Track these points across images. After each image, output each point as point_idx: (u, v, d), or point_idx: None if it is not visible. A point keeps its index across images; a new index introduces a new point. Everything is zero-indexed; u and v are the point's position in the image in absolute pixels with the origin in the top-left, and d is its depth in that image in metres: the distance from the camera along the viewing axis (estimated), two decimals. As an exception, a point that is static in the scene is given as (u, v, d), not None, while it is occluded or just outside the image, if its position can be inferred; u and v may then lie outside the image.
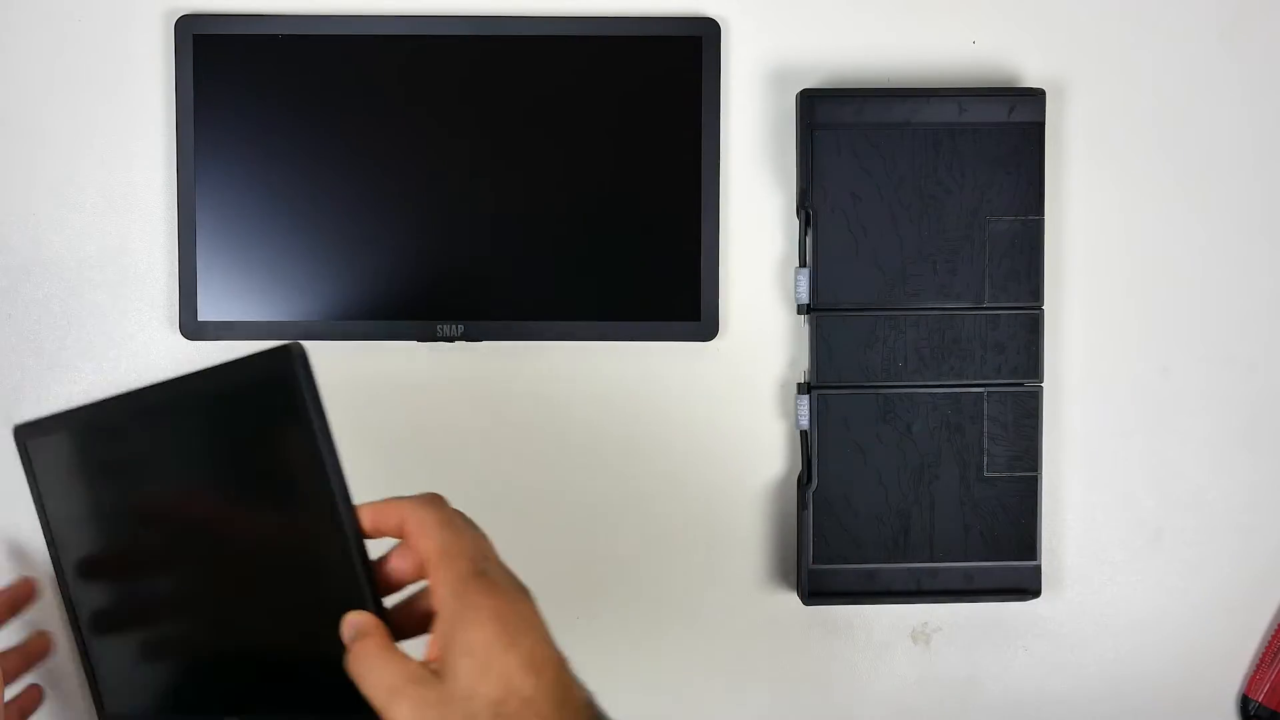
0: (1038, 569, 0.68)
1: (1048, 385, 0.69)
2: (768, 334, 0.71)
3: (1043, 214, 0.68)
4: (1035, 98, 0.68)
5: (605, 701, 0.45)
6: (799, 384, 0.69)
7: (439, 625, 0.44)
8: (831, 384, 0.68)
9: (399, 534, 0.46)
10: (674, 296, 0.69)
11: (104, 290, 0.69)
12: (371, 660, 0.44)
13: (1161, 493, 0.72)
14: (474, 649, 0.42)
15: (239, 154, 0.68)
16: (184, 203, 0.68)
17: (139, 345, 0.70)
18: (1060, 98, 0.71)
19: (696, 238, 0.69)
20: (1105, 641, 0.72)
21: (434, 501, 0.47)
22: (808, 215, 0.68)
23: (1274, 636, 0.72)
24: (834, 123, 0.67)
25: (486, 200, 0.68)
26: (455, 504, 0.47)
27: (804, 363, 0.70)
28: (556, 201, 0.68)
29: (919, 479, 0.68)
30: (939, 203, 0.68)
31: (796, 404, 0.69)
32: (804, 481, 0.68)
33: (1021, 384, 0.68)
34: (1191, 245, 0.72)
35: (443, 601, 0.44)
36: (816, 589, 0.68)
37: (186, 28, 0.67)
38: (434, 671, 0.43)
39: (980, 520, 0.68)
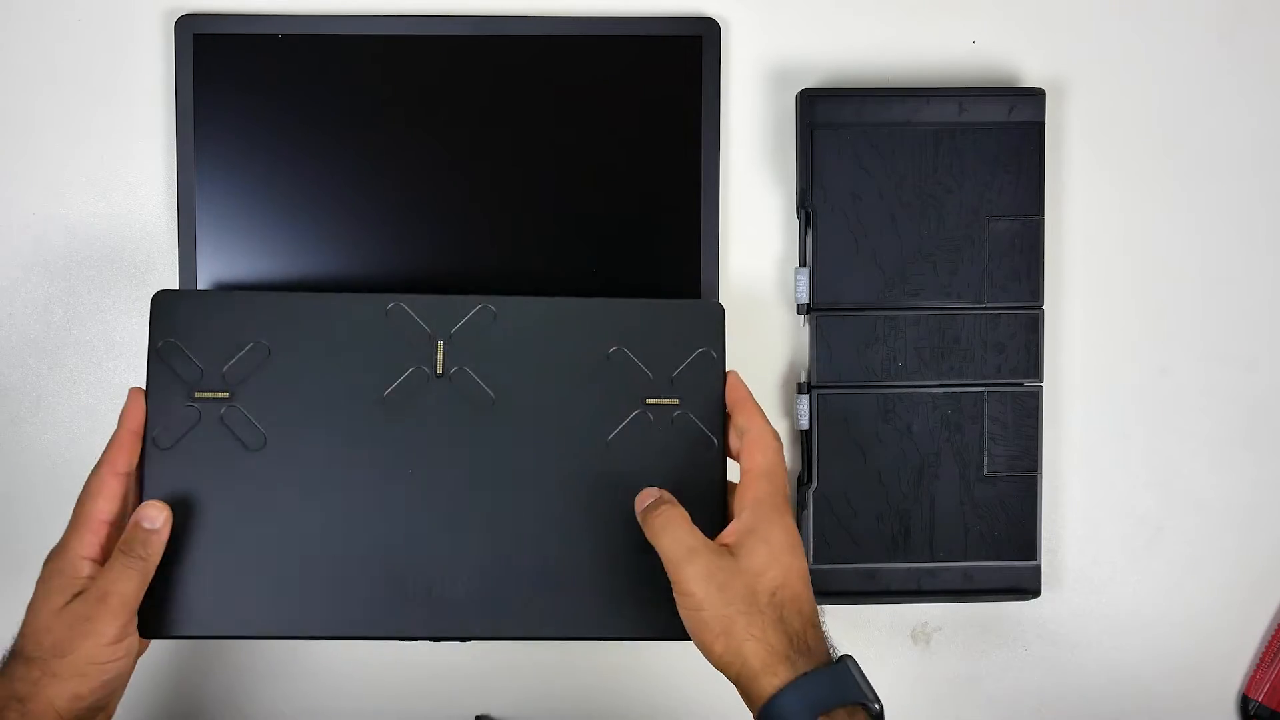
0: (1038, 569, 0.68)
1: (1048, 385, 0.69)
2: (768, 334, 0.71)
3: (1043, 214, 0.68)
4: (1035, 98, 0.68)
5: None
6: (799, 384, 0.69)
7: (742, 519, 0.54)
8: (831, 384, 0.68)
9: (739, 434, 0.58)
10: (674, 296, 0.69)
11: (104, 290, 0.69)
12: (675, 525, 0.53)
13: (1161, 493, 0.72)
14: (771, 542, 0.53)
15: (239, 154, 0.68)
16: (184, 203, 0.68)
17: (139, 345, 0.70)
18: (1060, 98, 0.71)
19: (696, 237, 0.69)
20: (1105, 641, 0.72)
21: (771, 428, 0.58)
22: (808, 215, 0.68)
23: (1274, 636, 0.72)
24: (834, 122, 0.67)
25: (486, 201, 0.68)
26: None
27: (804, 363, 0.70)
28: (556, 201, 0.68)
29: (919, 479, 0.68)
30: (939, 202, 0.68)
31: (796, 404, 0.69)
32: (804, 481, 0.68)
33: (1021, 384, 0.68)
34: (1191, 245, 0.72)
35: (755, 503, 0.54)
36: (816, 589, 0.67)
37: (186, 28, 0.67)
38: (725, 548, 0.53)
39: (980, 520, 0.68)
